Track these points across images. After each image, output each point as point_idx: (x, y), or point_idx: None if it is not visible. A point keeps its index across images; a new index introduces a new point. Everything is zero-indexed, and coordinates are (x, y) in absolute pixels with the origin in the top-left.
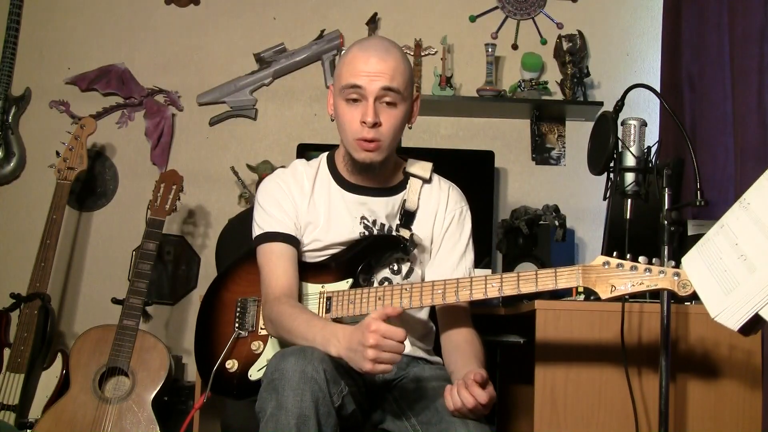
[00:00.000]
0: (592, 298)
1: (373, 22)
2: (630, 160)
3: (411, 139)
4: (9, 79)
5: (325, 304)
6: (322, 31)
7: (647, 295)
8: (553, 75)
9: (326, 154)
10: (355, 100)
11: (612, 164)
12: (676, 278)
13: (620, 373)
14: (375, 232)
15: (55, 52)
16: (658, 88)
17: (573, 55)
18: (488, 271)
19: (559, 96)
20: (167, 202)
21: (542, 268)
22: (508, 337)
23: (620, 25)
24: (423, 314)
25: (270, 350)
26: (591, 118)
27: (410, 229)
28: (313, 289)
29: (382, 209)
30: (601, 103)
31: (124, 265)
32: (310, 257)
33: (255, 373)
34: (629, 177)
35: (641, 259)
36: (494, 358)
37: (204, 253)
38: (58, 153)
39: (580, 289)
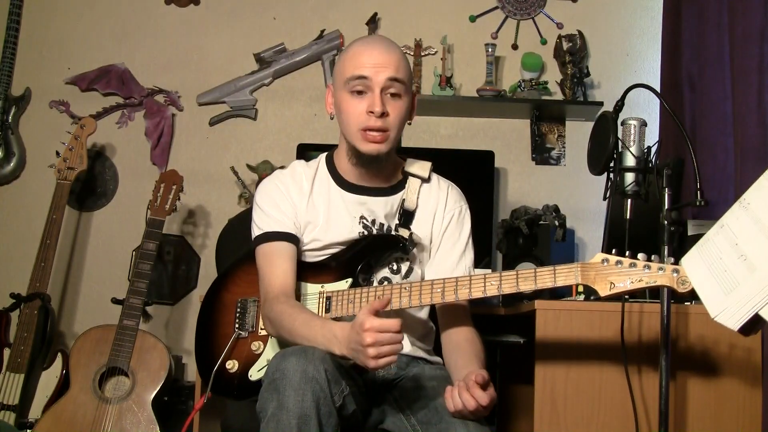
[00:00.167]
0: (592, 298)
1: (373, 22)
2: (630, 160)
3: (411, 139)
4: (9, 79)
5: (324, 304)
6: (322, 31)
7: (647, 295)
8: (553, 75)
9: (325, 154)
10: (360, 92)
11: (612, 164)
12: (675, 275)
13: (620, 372)
14: (374, 231)
15: (55, 52)
16: (658, 88)
17: (573, 55)
18: (488, 271)
19: (559, 96)
20: (167, 202)
21: None
22: (508, 337)
23: (620, 25)
24: (423, 314)
25: (270, 350)
26: (591, 118)
27: (409, 229)
28: (312, 288)
29: (381, 209)
30: (601, 103)
31: (124, 265)
32: (310, 257)
33: (255, 373)
34: (629, 177)
35: (640, 256)
36: (494, 358)
37: (204, 253)
38: (58, 153)
39: (580, 289)
